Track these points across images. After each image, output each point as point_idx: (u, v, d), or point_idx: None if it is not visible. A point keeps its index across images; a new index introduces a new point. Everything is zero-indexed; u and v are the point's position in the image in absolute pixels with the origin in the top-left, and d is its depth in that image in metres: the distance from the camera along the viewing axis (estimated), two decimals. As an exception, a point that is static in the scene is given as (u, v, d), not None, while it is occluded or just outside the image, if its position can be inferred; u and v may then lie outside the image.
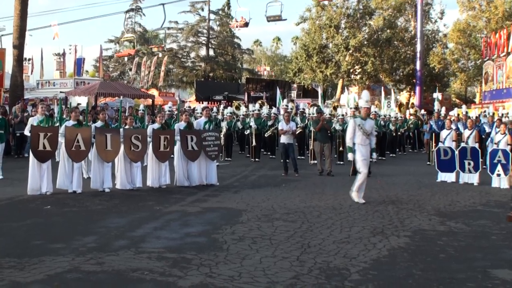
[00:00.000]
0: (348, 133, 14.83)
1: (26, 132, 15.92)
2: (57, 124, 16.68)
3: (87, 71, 63.59)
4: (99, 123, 16.78)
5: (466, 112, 32.44)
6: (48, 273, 7.85)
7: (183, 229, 11.06)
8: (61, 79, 55.08)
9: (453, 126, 21.47)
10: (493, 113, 31.12)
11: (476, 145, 18.61)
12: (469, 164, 17.65)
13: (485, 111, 35.04)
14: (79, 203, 13.80)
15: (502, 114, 28.94)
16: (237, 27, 62.47)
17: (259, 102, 37.30)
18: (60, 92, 44.43)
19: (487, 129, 24.15)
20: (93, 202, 14.04)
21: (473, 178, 18.30)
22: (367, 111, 15.23)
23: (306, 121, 26.82)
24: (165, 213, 12.66)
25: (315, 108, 26.68)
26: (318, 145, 20.68)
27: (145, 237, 10.28)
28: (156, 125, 17.35)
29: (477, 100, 64.37)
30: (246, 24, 59.11)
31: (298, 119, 28.23)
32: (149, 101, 43.90)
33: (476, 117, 28.43)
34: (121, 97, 34.61)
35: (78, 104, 35.45)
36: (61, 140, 15.24)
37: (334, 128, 23.74)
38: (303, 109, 30.74)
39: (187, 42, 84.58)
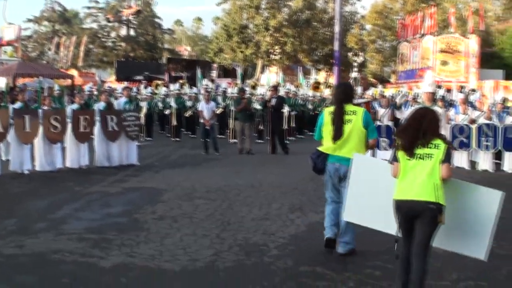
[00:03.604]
0: None
1: None
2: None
3: (5, 52, 61.88)
4: (18, 104, 16.45)
5: (382, 92, 33.06)
6: (-34, 256, 7.73)
7: (104, 209, 11.02)
8: (-23, 60, 53.59)
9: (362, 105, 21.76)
10: (408, 93, 31.83)
11: (391, 123, 18.99)
12: (384, 141, 17.99)
13: (400, 91, 35.82)
14: (-3, 185, 13.56)
15: (417, 94, 29.55)
16: (128, 15, 61.85)
17: (180, 82, 37.14)
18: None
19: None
20: (12, 184, 13.80)
21: (388, 155, 18.65)
22: (430, 97, 14.24)
23: (228, 101, 26.86)
24: (86, 194, 12.55)
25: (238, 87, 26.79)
26: (239, 125, 20.73)
27: (66, 218, 10.19)
28: (75, 106, 17.13)
29: (392, 80, 65.68)
30: (138, 12, 58.51)
31: (219, 98, 28.25)
32: (69, 81, 43.05)
33: (391, 96, 28.94)
34: (40, 77, 33.92)
35: (-4, 85, 34.58)
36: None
37: (254, 107, 23.83)
38: (225, 88, 30.73)
39: (108, 22, 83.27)
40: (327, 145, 7.95)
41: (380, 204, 6.54)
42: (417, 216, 6.03)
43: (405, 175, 6.18)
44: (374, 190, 6.79)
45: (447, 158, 6.11)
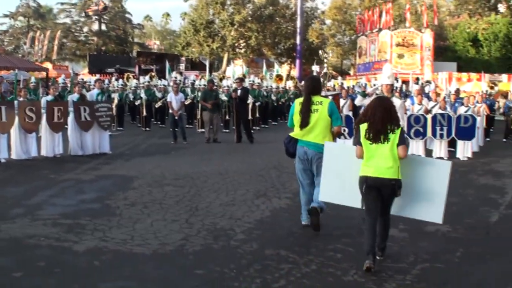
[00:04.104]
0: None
1: None
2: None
3: (-19, 46, 61.03)
4: (-6, 96, 16.27)
5: (342, 83, 33.21)
6: None
7: (77, 196, 10.92)
8: (-47, 54, 52.70)
9: (330, 97, 21.84)
10: (366, 84, 32.04)
11: (350, 113, 19.07)
12: (344, 130, 18.04)
13: (359, 82, 36.08)
14: (-26, 174, 13.36)
15: (375, 85, 29.74)
16: (95, 11, 61.25)
17: (150, 74, 36.90)
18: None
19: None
20: (-11, 172, 13.63)
21: (348, 144, 18.69)
22: (389, 88, 13.84)
23: (196, 92, 26.73)
24: (60, 181, 12.44)
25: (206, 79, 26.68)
26: (207, 115, 20.64)
27: (41, 204, 10.09)
28: (49, 97, 16.97)
29: (351, 72, 66.11)
30: (105, 8, 57.71)
31: (188, 90, 28.11)
32: (44, 74, 42.57)
33: (349, 87, 29.08)
34: (16, 70, 33.49)
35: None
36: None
37: (221, 98, 23.74)
38: (193, 80, 30.62)
39: (80, 17, 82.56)
40: (296, 132, 8.49)
41: (351, 183, 7.08)
42: (379, 188, 6.80)
43: (369, 157, 6.83)
44: (345, 171, 7.32)
45: (402, 141, 6.69)
